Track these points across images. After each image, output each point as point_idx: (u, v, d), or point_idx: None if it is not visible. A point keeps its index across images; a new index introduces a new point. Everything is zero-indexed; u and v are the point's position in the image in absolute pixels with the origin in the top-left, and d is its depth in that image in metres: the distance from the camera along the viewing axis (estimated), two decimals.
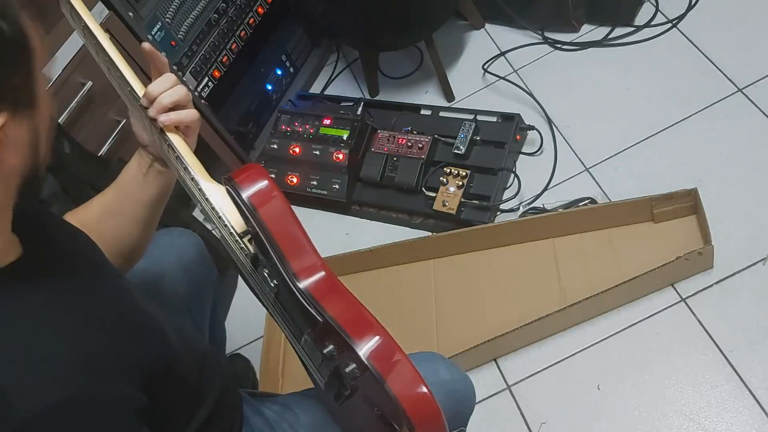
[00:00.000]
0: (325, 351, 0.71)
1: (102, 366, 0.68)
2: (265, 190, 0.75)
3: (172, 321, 0.95)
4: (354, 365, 0.67)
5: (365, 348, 0.67)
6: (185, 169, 0.86)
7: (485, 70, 2.04)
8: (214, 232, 0.92)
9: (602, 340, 1.49)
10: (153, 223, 1.00)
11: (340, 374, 0.71)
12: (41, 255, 0.73)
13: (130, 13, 1.58)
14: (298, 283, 0.74)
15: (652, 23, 1.94)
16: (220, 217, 0.83)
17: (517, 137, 1.81)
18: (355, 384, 0.70)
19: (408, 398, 0.66)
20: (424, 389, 0.66)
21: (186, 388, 0.86)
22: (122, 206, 0.96)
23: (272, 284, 0.80)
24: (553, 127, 1.85)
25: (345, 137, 1.85)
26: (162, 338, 0.83)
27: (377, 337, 0.67)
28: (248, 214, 0.75)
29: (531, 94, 1.93)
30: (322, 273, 0.75)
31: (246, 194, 0.75)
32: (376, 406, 0.71)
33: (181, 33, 1.73)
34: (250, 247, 0.81)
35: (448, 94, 2.05)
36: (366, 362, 0.66)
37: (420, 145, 1.81)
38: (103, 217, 0.94)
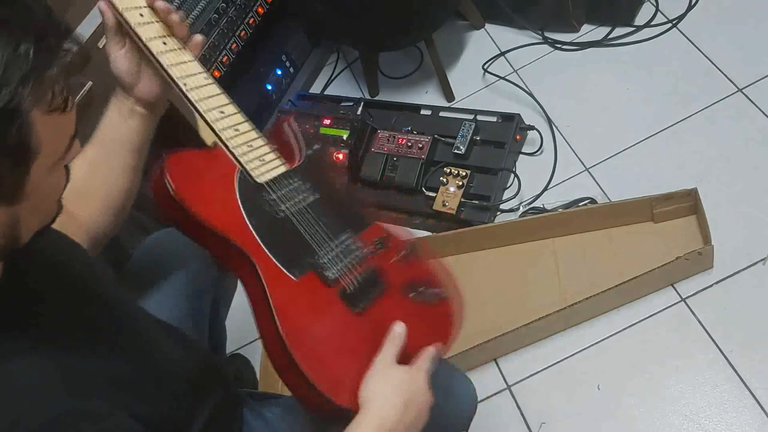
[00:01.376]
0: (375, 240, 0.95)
1: (84, 391, 0.67)
2: None
3: (170, 328, 0.94)
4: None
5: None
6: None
7: (485, 70, 2.04)
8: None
9: (602, 340, 1.49)
10: (140, 167, 0.97)
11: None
12: (24, 279, 0.70)
13: None
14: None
15: (652, 23, 1.94)
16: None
17: (517, 137, 1.81)
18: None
19: None
20: None
21: (182, 395, 0.86)
22: (108, 158, 0.94)
23: (312, 197, 0.95)
24: (553, 127, 1.85)
25: (345, 137, 1.85)
26: (155, 354, 0.82)
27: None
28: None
29: (531, 94, 1.93)
30: None
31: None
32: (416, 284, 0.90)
33: None
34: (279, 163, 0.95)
35: (448, 94, 2.05)
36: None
37: (420, 145, 1.81)
38: (90, 173, 0.91)
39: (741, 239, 1.50)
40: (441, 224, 1.77)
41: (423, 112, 1.98)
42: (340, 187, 0.92)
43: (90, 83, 1.50)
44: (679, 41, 1.88)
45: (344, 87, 2.23)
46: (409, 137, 1.83)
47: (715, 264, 1.49)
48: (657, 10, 1.95)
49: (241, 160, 0.92)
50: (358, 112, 1.94)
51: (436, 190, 1.75)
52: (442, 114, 1.95)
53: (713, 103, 1.73)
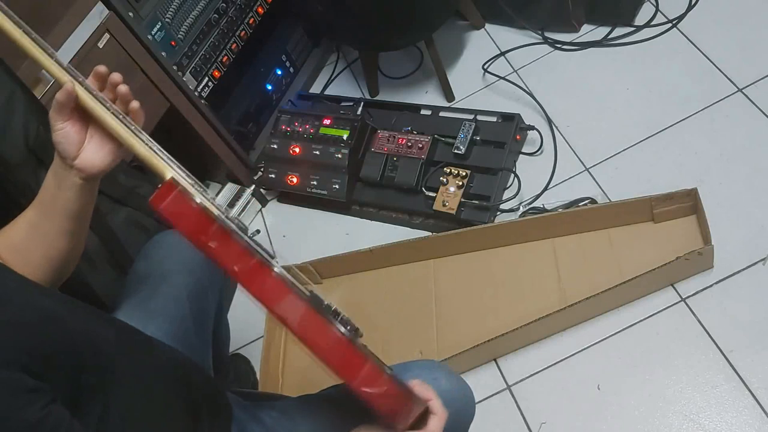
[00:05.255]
0: None
1: None
2: None
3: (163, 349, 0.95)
4: None
5: None
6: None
7: (485, 70, 2.04)
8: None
9: (602, 340, 1.49)
10: (80, 233, 0.96)
11: None
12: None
13: (130, 13, 1.58)
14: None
15: (652, 23, 1.94)
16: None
17: (517, 137, 1.81)
18: None
19: None
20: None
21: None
22: (45, 221, 0.92)
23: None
24: (553, 127, 1.85)
25: (345, 137, 1.85)
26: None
27: None
28: None
29: (531, 94, 1.93)
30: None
31: None
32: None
33: (181, 33, 1.73)
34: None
35: (448, 94, 2.05)
36: None
37: (420, 145, 1.81)
38: (28, 233, 0.91)
39: (741, 239, 1.50)
40: (441, 224, 1.78)
41: (423, 112, 1.99)
42: None
43: None
44: (679, 41, 1.88)
45: (344, 87, 2.23)
46: (409, 137, 1.83)
47: (715, 264, 1.49)
48: (657, 10, 1.95)
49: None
50: (358, 112, 1.95)
51: (436, 190, 1.75)
52: (442, 114, 1.95)
53: (713, 103, 1.73)
